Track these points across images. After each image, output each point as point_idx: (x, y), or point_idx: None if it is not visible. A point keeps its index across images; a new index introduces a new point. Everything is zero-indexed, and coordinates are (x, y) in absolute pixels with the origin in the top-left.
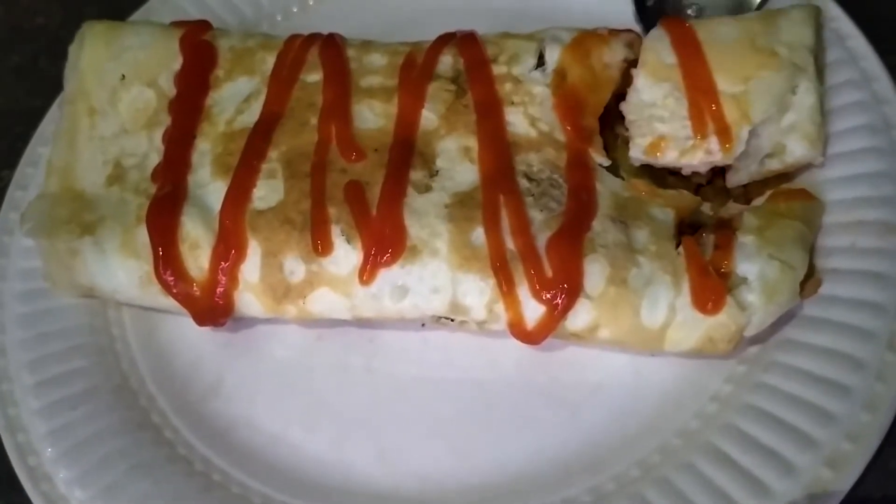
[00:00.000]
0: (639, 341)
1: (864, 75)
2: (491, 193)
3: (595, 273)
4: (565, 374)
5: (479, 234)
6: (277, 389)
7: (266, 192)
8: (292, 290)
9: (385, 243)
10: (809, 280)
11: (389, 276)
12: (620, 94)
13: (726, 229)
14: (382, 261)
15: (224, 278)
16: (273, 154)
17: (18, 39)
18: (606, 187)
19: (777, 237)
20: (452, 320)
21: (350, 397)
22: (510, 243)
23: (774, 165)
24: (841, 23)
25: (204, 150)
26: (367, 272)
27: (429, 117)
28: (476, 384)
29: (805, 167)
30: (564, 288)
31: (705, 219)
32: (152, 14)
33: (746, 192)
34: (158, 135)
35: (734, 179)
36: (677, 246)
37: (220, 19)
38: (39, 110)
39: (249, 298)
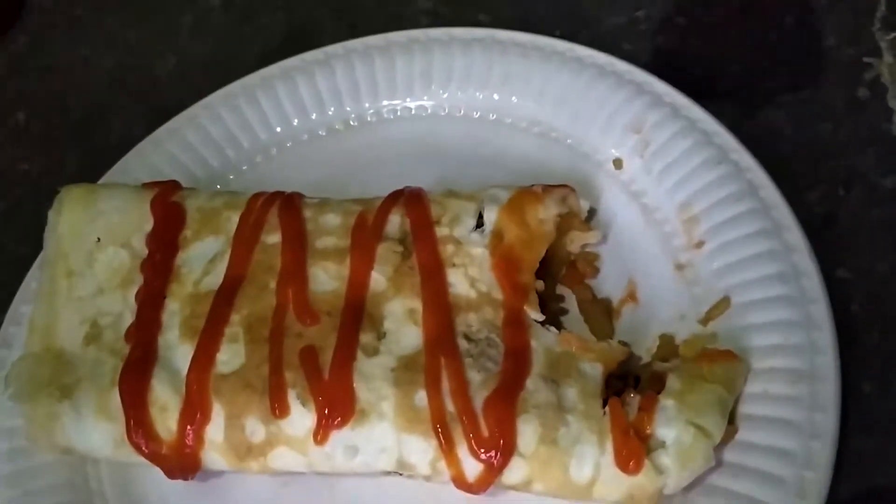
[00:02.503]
0: (570, 494)
1: (775, 225)
2: (432, 356)
3: (528, 433)
4: None
5: (422, 397)
6: None
7: (229, 357)
8: (254, 448)
9: (336, 407)
10: (728, 426)
11: (341, 437)
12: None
13: (652, 389)
14: (334, 424)
15: (191, 439)
16: (235, 318)
17: (3, 185)
18: (540, 343)
19: (696, 402)
20: (401, 474)
21: None
22: (450, 405)
23: None
24: (754, 173)
25: (174, 311)
26: (320, 434)
27: (378, 279)
28: None
29: None
30: (500, 447)
31: (636, 368)
32: (128, 168)
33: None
34: (132, 294)
35: None
36: (605, 403)
37: (190, 172)
38: (25, 258)
39: (215, 457)
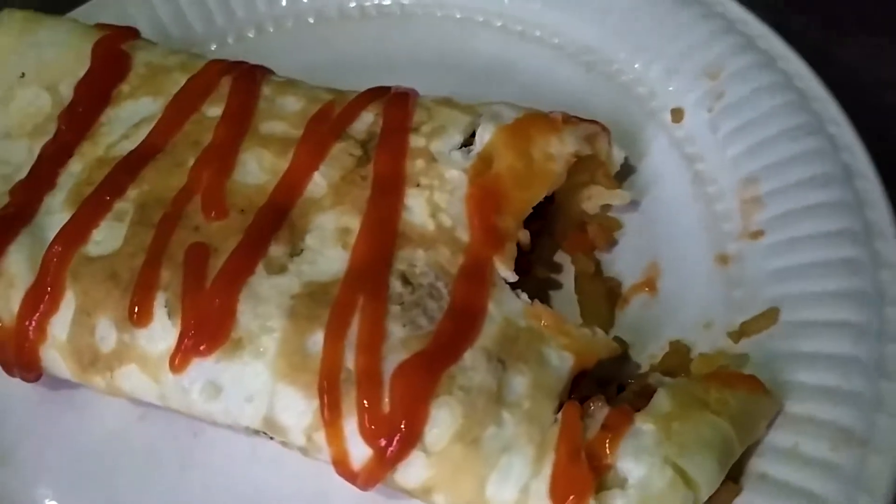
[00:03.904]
0: None
1: (866, 228)
2: (350, 291)
3: (442, 422)
4: None
5: (317, 341)
6: (73, 474)
7: (105, 236)
8: (100, 359)
9: (205, 327)
10: (724, 486)
11: (203, 368)
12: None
13: (637, 406)
14: (198, 348)
15: (32, 328)
16: (133, 193)
17: None
18: (501, 310)
19: (686, 435)
20: (273, 438)
21: (147, 497)
22: (351, 360)
23: None
24: (855, 157)
25: (73, 172)
26: (179, 357)
27: (318, 183)
28: None
29: None
30: (400, 431)
31: (625, 376)
32: (93, 14)
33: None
34: (40, 146)
35: None
36: (559, 409)
37: (164, 30)
38: None
39: (55, 357)
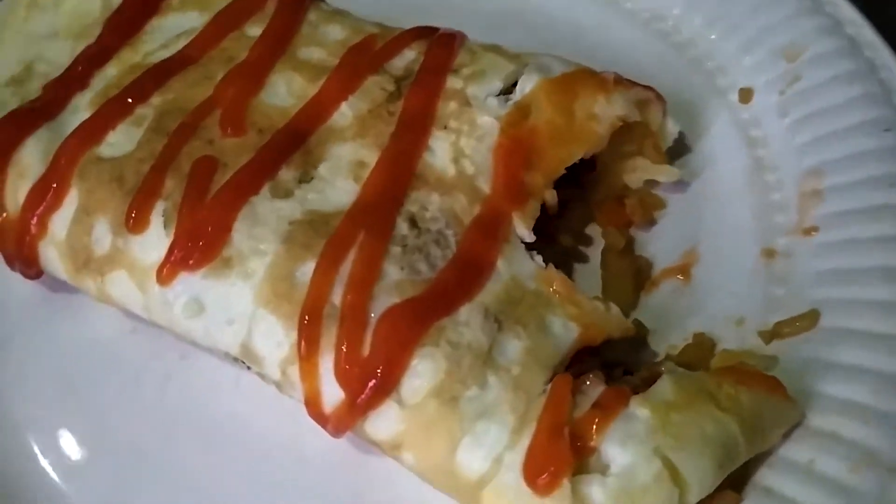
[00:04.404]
0: (448, 487)
1: None
2: (351, 225)
3: (422, 374)
4: (376, 495)
5: (307, 271)
6: (59, 376)
7: (120, 139)
8: (92, 261)
9: (198, 240)
10: (721, 492)
11: (189, 283)
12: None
13: (640, 387)
14: (187, 261)
15: (35, 223)
16: (156, 100)
17: None
18: (510, 268)
19: (685, 428)
20: (249, 368)
21: (119, 411)
22: (338, 295)
23: None
24: None
25: (107, 76)
26: (167, 268)
27: (344, 113)
28: (264, 458)
29: None
30: (376, 376)
31: (638, 362)
32: None
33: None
34: (82, 48)
35: None
36: (551, 381)
37: None
38: None
39: (52, 255)
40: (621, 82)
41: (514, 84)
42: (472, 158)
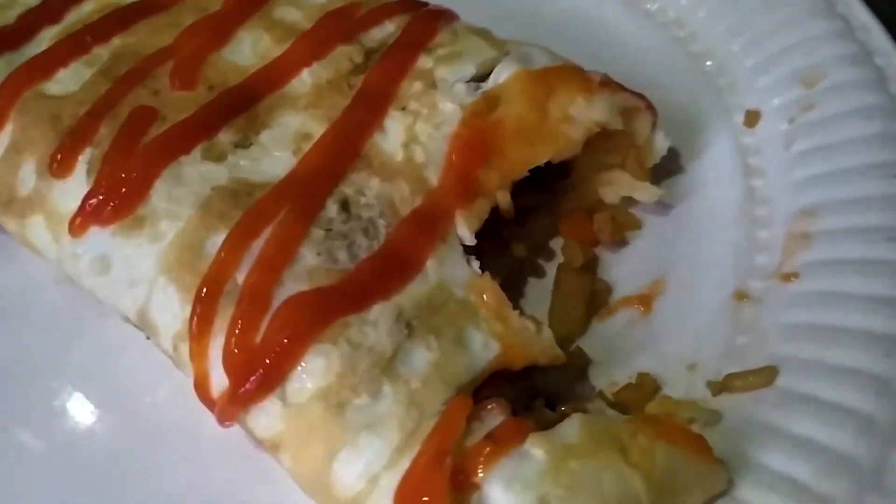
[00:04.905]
0: (317, 494)
1: None
2: (276, 199)
3: (312, 372)
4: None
5: (218, 241)
6: None
7: (68, 78)
8: (15, 202)
9: (115, 193)
10: None
11: (98, 239)
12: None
13: (551, 419)
14: (100, 213)
15: None
16: (116, 42)
17: None
18: (440, 270)
19: (581, 478)
20: (149, 338)
21: (24, 361)
22: (242, 274)
23: None
24: None
25: (81, 12)
26: (79, 218)
27: (304, 80)
28: (156, 432)
29: None
30: (262, 367)
31: (568, 395)
32: None
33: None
34: None
35: None
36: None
37: None
38: None
39: None
40: (608, 85)
41: (491, 72)
42: (426, 146)
